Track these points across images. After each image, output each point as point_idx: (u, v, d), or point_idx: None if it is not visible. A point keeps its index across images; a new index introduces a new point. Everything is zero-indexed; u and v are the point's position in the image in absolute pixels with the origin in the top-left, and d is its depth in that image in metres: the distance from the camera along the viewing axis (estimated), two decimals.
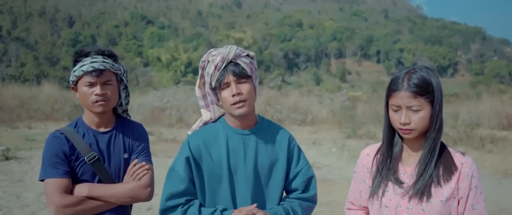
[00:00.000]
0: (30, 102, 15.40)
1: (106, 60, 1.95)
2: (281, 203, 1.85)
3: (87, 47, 1.99)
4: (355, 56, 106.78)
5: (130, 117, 2.18)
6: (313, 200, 1.90)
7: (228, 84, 1.74)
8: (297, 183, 1.87)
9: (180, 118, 14.99)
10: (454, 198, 1.62)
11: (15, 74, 58.68)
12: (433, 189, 1.61)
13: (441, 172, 1.64)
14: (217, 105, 1.87)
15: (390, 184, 1.69)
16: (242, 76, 1.74)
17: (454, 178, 1.62)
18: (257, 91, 1.84)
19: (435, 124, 1.60)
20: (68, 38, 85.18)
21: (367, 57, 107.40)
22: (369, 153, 1.84)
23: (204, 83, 1.85)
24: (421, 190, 1.61)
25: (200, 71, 1.83)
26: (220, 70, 1.73)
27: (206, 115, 1.90)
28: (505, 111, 14.76)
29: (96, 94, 1.92)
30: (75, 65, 1.95)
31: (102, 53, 1.97)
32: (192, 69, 74.15)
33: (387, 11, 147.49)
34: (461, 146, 10.54)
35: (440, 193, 1.61)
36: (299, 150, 1.92)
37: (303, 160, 1.90)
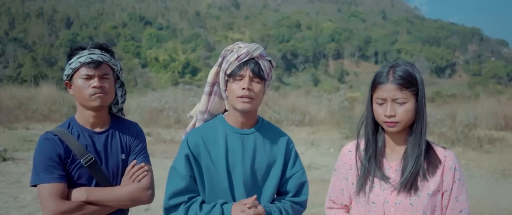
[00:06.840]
0: (28, 103, 15.35)
1: (104, 54, 1.88)
2: (273, 203, 1.85)
3: (83, 43, 1.91)
4: (353, 57, 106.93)
5: (124, 116, 2.07)
6: (303, 205, 1.90)
7: (242, 77, 1.76)
8: (290, 186, 1.87)
9: (178, 119, 14.95)
10: (439, 191, 1.65)
11: (13, 75, 58.46)
12: (419, 183, 1.63)
13: (426, 166, 1.65)
14: (220, 98, 1.89)
15: (376, 180, 1.69)
16: (258, 76, 1.76)
17: (439, 172, 1.65)
18: (263, 97, 1.85)
19: (421, 117, 1.63)
20: (66, 39, 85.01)
21: (365, 58, 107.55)
22: (351, 149, 1.82)
23: (218, 73, 1.87)
24: (409, 184, 1.63)
25: (220, 59, 1.85)
26: (241, 62, 1.76)
27: (203, 103, 1.91)
28: (503, 112, 14.78)
29: (93, 87, 1.81)
30: (70, 59, 1.86)
31: (99, 47, 1.89)
32: (190, 70, 74.17)
33: (385, 12, 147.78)
34: (459, 147, 10.55)
35: (427, 186, 1.63)
36: (296, 154, 1.93)
37: (299, 164, 1.91)
